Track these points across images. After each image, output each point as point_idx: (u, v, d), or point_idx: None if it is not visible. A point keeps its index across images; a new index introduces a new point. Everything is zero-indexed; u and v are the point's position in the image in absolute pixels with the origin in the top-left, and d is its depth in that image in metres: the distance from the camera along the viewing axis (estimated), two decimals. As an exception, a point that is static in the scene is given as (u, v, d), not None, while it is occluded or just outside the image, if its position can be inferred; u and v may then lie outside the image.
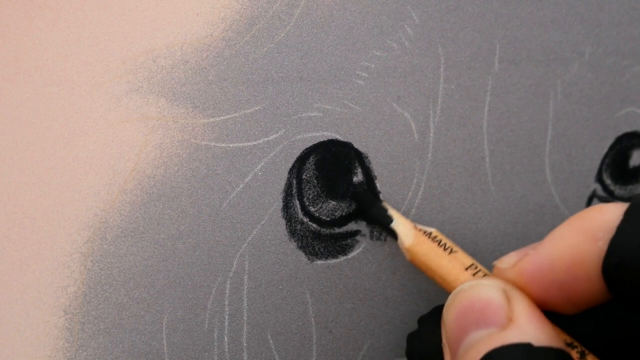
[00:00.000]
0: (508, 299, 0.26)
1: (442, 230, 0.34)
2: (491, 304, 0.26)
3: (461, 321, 0.27)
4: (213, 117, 0.32)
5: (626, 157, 0.36)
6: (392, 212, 0.32)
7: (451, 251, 0.30)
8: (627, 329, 0.28)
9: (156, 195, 0.31)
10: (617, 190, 0.36)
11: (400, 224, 0.32)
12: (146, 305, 0.31)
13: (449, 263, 0.30)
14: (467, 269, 0.29)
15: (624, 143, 0.36)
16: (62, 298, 0.31)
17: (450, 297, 0.28)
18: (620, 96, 0.35)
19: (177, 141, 0.31)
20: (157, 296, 0.31)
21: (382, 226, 0.33)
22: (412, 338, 0.31)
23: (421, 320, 0.32)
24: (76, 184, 0.31)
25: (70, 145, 0.31)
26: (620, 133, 0.36)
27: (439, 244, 0.31)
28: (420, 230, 0.32)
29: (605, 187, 0.36)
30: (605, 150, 0.36)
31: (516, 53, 0.34)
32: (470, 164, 0.34)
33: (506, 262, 0.28)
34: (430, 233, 0.31)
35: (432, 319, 0.30)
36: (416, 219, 0.34)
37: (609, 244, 0.26)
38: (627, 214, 0.26)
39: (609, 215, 0.26)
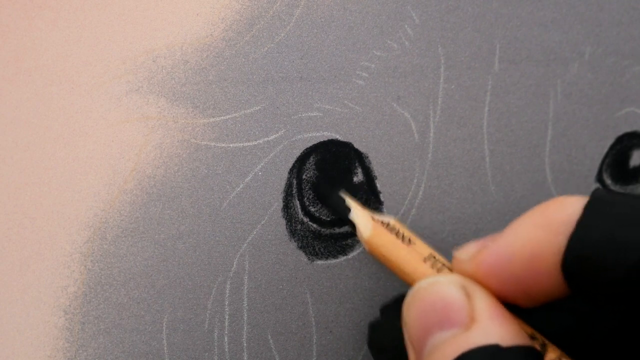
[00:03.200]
0: (468, 296, 0.26)
1: (442, 230, 0.34)
2: (452, 302, 0.26)
3: (423, 322, 0.26)
4: (213, 117, 0.32)
5: (626, 157, 0.36)
6: (350, 202, 0.32)
7: (409, 242, 0.30)
8: (586, 323, 0.28)
9: (156, 195, 0.31)
10: (618, 190, 0.36)
11: (358, 215, 0.31)
12: (146, 305, 0.31)
13: (407, 254, 0.29)
14: (425, 260, 0.29)
15: (624, 143, 0.36)
16: (62, 298, 0.31)
17: (409, 295, 0.27)
18: (620, 96, 0.35)
19: (177, 141, 0.31)
20: (157, 296, 0.31)
21: (341, 217, 0.32)
22: (373, 328, 0.31)
23: (383, 310, 0.31)
24: (76, 184, 0.31)
25: (70, 145, 0.31)
26: (620, 133, 0.36)
27: (397, 235, 0.30)
28: (378, 220, 0.31)
29: (605, 187, 0.36)
30: (605, 150, 0.36)
31: (516, 53, 0.34)
32: (470, 164, 0.34)
33: (465, 252, 0.28)
34: (388, 223, 0.31)
35: (393, 309, 0.29)
36: (416, 219, 0.34)
37: (568, 239, 0.25)
38: (587, 209, 0.25)
39: (569, 209, 0.26)
